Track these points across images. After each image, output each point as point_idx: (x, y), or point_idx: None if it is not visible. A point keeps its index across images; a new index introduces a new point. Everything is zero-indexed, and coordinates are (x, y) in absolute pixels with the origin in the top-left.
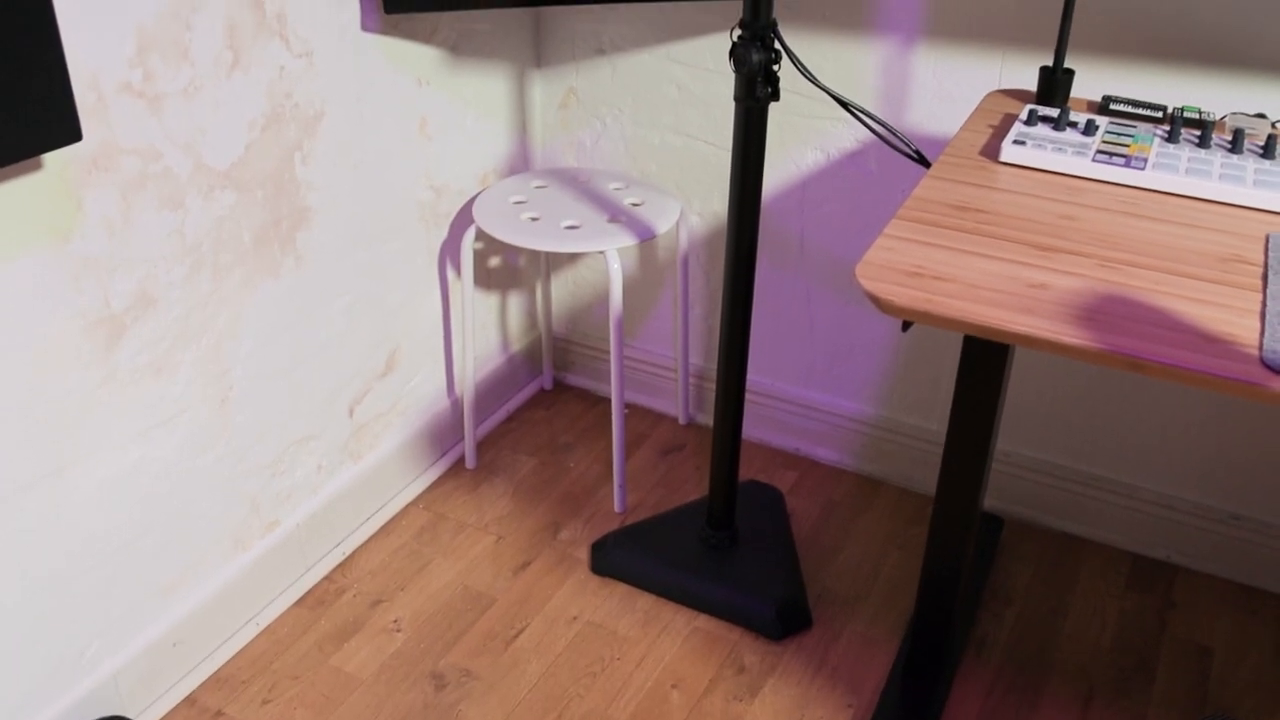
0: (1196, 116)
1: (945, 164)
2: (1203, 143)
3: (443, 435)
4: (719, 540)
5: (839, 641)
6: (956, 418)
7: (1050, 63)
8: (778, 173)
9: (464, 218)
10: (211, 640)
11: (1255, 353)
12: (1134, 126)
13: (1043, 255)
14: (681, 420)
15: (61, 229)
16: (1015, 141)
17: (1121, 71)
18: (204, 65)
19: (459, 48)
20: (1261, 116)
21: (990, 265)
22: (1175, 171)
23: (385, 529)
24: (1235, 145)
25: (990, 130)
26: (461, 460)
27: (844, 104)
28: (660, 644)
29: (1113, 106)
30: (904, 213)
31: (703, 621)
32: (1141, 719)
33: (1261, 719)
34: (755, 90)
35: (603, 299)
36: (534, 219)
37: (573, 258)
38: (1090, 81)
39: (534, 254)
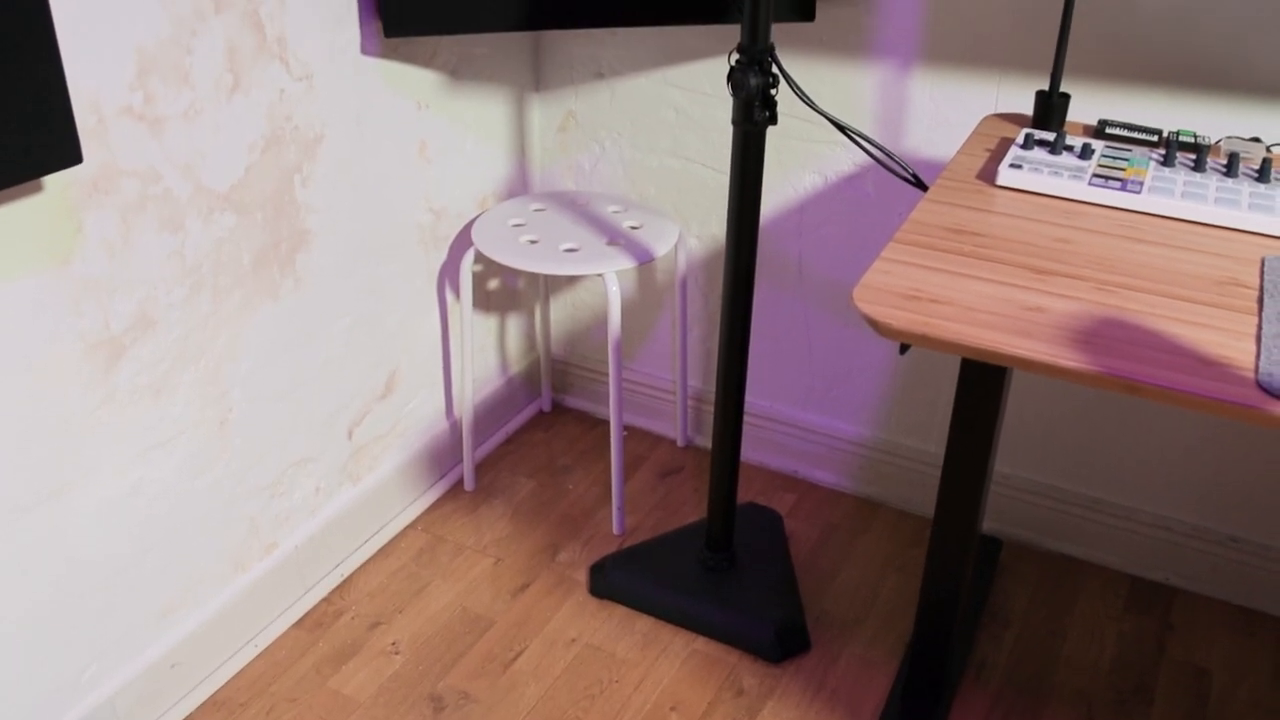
0: (1192, 140)
1: (942, 187)
2: (1198, 166)
3: (441, 457)
4: (718, 562)
5: (838, 664)
6: (954, 440)
7: (1046, 87)
8: (776, 196)
9: (463, 240)
10: (210, 662)
11: (1251, 376)
12: (1130, 150)
13: (1039, 278)
14: (680, 442)
15: (62, 251)
16: (1012, 165)
17: (1117, 95)
18: (204, 88)
19: (458, 71)
20: (1256, 140)
21: (987, 288)
22: (1171, 195)
23: (384, 551)
24: (1230, 169)
25: (987, 154)
26: (460, 482)
27: (841, 128)
28: (659, 666)
29: (1108, 130)
30: (901, 236)
31: (701, 644)
32: None
33: None
34: (753, 114)
35: (601, 321)
36: (533, 242)
37: (571, 280)
38: (1086, 105)
39: (533, 276)
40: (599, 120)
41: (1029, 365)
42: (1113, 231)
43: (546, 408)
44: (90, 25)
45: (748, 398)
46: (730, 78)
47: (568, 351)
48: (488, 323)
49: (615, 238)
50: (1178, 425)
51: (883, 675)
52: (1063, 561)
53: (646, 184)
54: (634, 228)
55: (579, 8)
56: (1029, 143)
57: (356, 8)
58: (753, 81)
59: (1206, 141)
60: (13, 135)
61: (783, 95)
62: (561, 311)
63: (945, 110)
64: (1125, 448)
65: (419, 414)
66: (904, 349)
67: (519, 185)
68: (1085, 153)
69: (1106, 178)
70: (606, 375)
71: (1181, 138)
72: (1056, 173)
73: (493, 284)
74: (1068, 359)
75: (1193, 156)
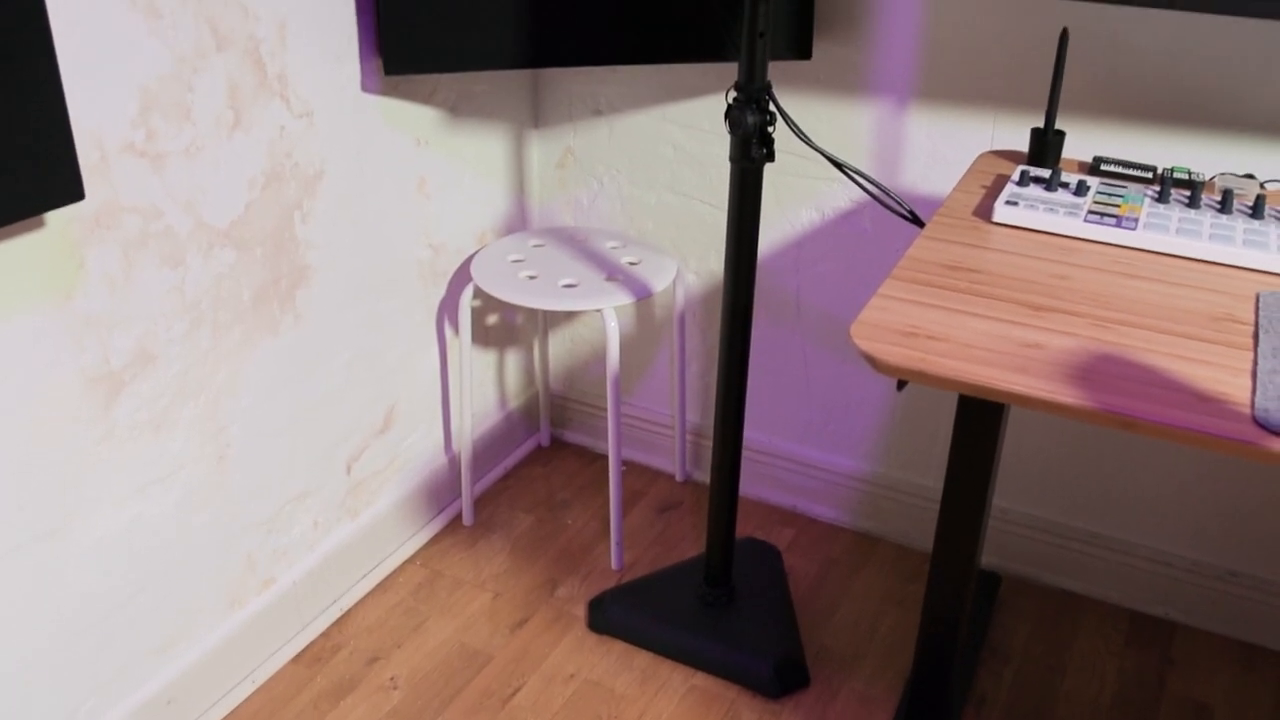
0: (1186, 177)
1: (939, 224)
2: (1192, 203)
3: (440, 492)
4: (716, 598)
5: (837, 700)
6: (953, 475)
7: (1041, 124)
8: (773, 231)
9: (462, 276)
10: (207, 698)
11: (1247, 411)
12: (1125, 187)
13: (1036, 315)
14: (679, 477)
15: (63, 286)
16: (1008, 202)
17: (1112, 133)
18: (205, 125)
19: (458, 108)
20: (1250, 177)
21: (984, 325)
22: (1166, 231)
23: (382, 586)
24: (1224, 205)
25: (983, 191)
26: (459, 517)
27: (838, 165)
28: (658, 702)
29: (1103, 167)
30: (898, 272)
31: (700, 679)
32: None
33: None
34: (750, 151)
35: (600, 357)
36: (532, 277)
37: (570, 316)
38: (1081, 143)
39: (531, 312)
40: (597, 156)
41: (1026, 402)
42: (1108, 268)
43: (545, 443)
44: (94, 64)
45: (746, 432)
46: (728, 115)
47: (566, 386)
48: (486, 358)
49: (614, 273)
50: (1175, 460)
51: (882, 711)
52: (1062, 596)
53: (645, 220)
54: (632, 263)
55: (577, 46)
56: (1025, 179)
57: (357, 45)
58: (750, 119)
59: (1200, 178)
60: (16, 172)
61: (780, 132)
62: (560, 346)
63: (941, 147)
64: (1123, 482)
65: (418, 449)
66: (901, 385)
67: (518, 221)
68: (1080, 189)
69: (1102, 214)
70: (605, 410)
71: (1176, 174)
72: (1052, 209)
73: (492, 319)
74: (1064, 395)
75: (1187, 193)
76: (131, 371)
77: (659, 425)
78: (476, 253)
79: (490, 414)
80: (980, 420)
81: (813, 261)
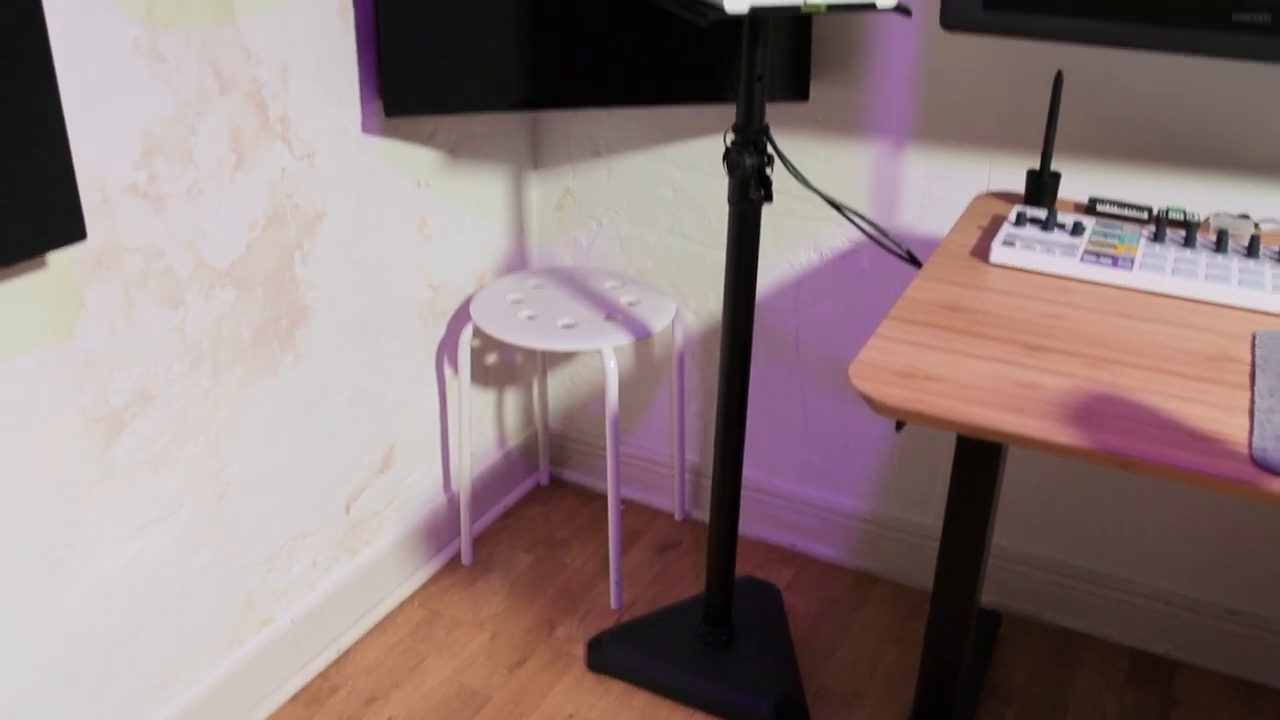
0: (1181, 217)
1: (936, 264)
2: (1188, 243)
3: (439, 531)
4: (716, 637)
5: None
6: (952, 514)
7: (1037, 166)
8: (772, 272)
9: (462, 316)
10: None
11: (1245, 451)
12: (1120, 227)
13: (1033, 355)
14: (678, 516)
15: (64, 326)
16: (1004, 243)
17: (1107, 173)
18: (207, 167)
19: (458, 149)
20: (1245, 217)
21: (981, 365)
22: (1161, 271)
23: (380, 626)
24: (1220, 245)
25: (980, 231)
26: (457, 556)
27: (836, 206)
28: None
29: (1099, 208)
30: (896, 313)
31: (700, 719)
32: None
33: None
34: (749, 193)
35: (599, 396)
36: (531, 317)
37: (569, 355)
38: (1077, 183)
39: (531, 351)
40: (596, 197)
41: (1024, 442)
42: (1105, 308)
43: (544, 481)
44: (98, 106)
45: (745, 471)
46: (726, 157)
47: (565, 425)
48: (486, 397)
49: (613, 313)
50: (1174, 498)
51: None
52: (1063, 634)
53: (644, 260)
54: (631, 304)
55: (577, 88)
56: (1021, 220)
57: (358, 87)
58: (748, 161)
59: (1196, 218)
60: (19, 213)
61: (778, 173)
62: (559, 386)
63: (938, 188)
64: (1122, 520)
65: (417, 488)
66: (900, 426)
67: (517, 261)
68: (1077, 230)
69: (1098, 254)
70: (604, 449)
71: (1171, 214)
72: (1049, 250)
73: (491, 359)
74: (1062, 435)
75: (1182, 233)
76: (131, 411)
77: (658, 464)
78: (476, 293)
79: (489, 453)
80: (979, 460)
81: (811, 301)
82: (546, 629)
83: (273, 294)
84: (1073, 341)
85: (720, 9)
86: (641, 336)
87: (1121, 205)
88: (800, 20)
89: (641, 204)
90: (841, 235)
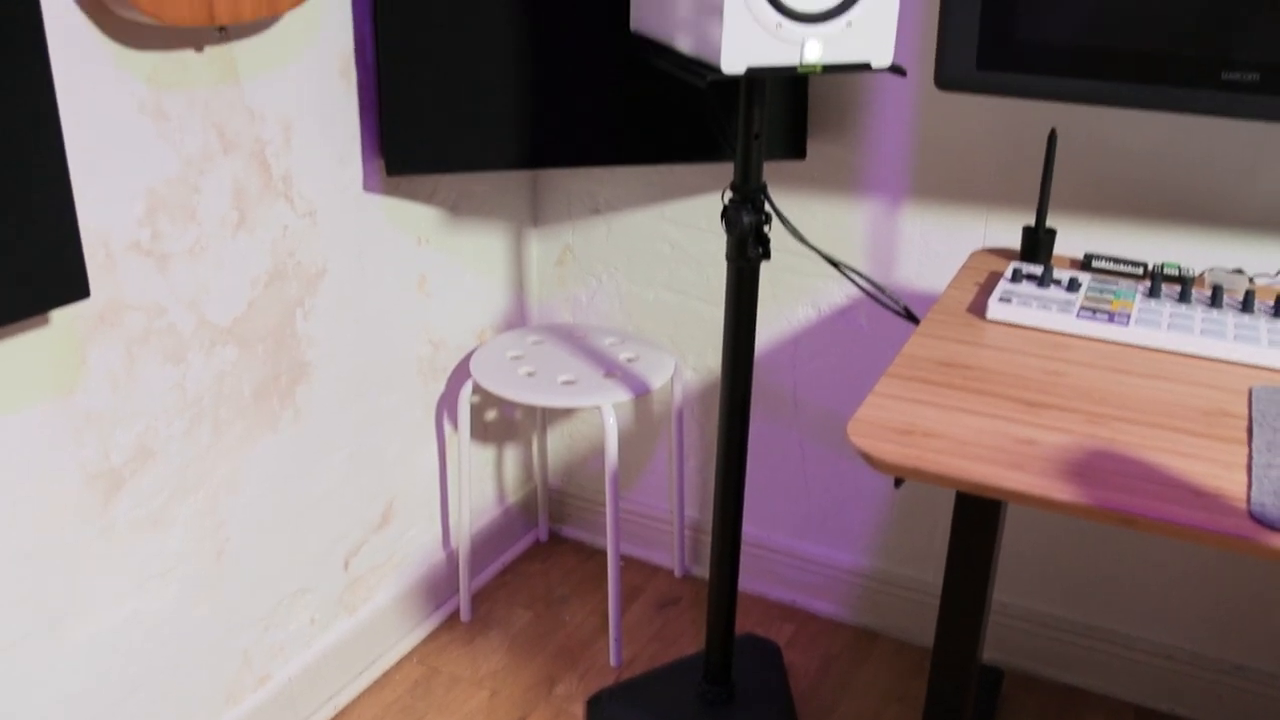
0: (1176, 273)
1: (933, 321)
2: (1183, 298)
3: (438, 588)
4: (717, 695)
5: None
6: (952, 571)
7: (1033, 222)
8: (770, 328)
9: (461, 372)
10: None
11: (1244, 506)
12: (1116, 283)
13: (1031, 411)
14: (678, 573)
15: (65, 383)
16: (1001, 299)
17: (1102, 229)
18: (210, 225)
19: (458, 207)
20: (1239, 272)
21: (979, 422)
22: (1157, 327)
23: (378, 683)
24: (1215, 300)
25: (976, 288)
26: (456, 613)
27: (833, 263)
28: None
29: (1095, 264)
30: (894, 370)
31: None
32: None
33: None
34: (747, 250)
35: (598, 452)
36: (530, 374)
37: (569, 411)
38: (1072, 239)
39: (530, 408)
40: (596, 254)
41: (1023, 499)
42: (1102, 364)
43: (544, 538)
44: (103, 165)
45: (744, 527)
46: (724, 215)
47: (565, 481)
48: (485, 453)
49: (612, 370)
50: (1175, 552)
51: None
52: (1066, 691)
53: (643, 317)
54: (630, 360)
55: (576, 147)
56: (1017, 277)
57: (360, 146)
58: (746, 219)
59: (1191, 274)
60: (24, 271)
61: (776, 230)
62: (559, 442)
63: (934, 245)
64: (1124, 575)
65: (416, 544)
66: (899, 483)
67: (517, 318)
68: (1072, 286)
69: (1094, 310)
70: (604, 505)
71: (1166, 270)
72: (1045, 306)
73: (490, 415)
74: (1061, 492)
75: (1178, 288)
76: (131, 467)
77: (657, 520)
78: (476, 349)
79: (489, 509)
80: (978, 516)
81: (809, 357)
82: (546, 687)
83: (274, 351)
84: (1070, 397)
85: (718, 70)
86: (640, 393)
87: (1117, 261)
88: (797, 80)
89: (641, 261)
90: (839, 291)
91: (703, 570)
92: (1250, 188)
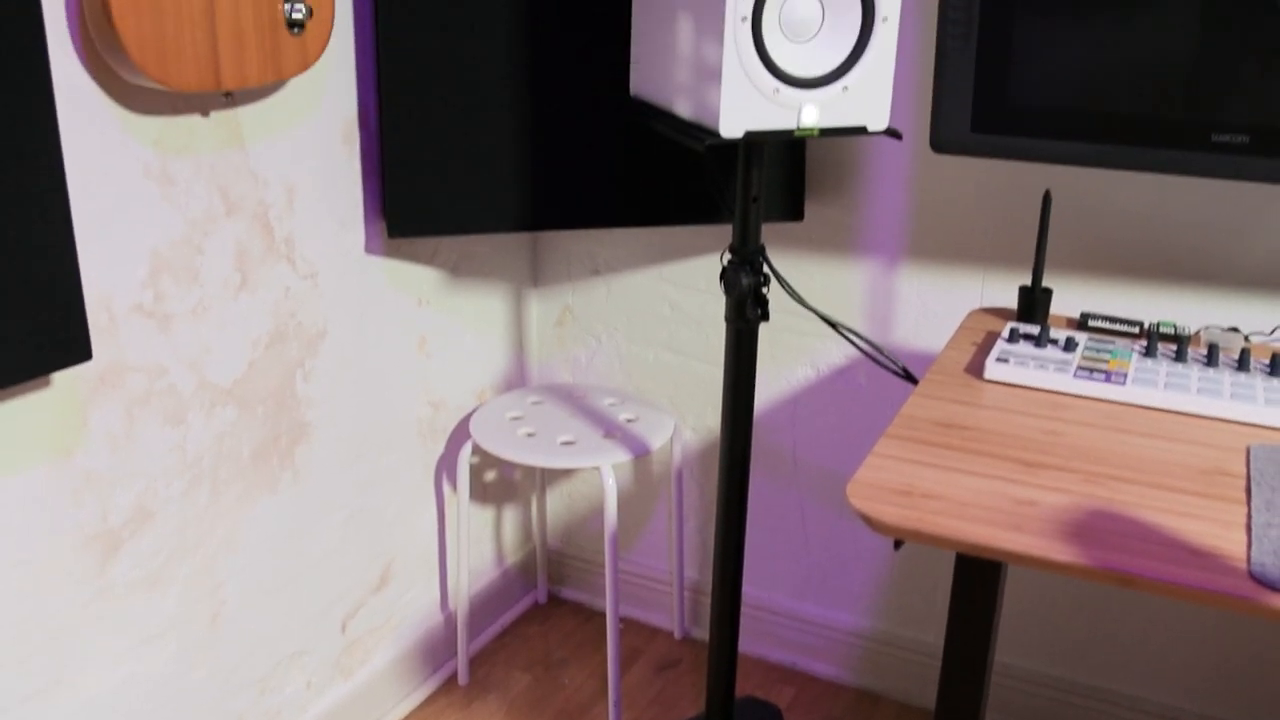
0: (1172, 332)
1: (932, 381)
2: (1179, 357)
3: (436, 650)
4: None
5: None
6: (953, 633)
7: (1029, 282)
8: (769, 388)
9: (461, 433)
10: None
11: (1243, 566)
12: (1112, 342)
13: (1029, 471)
14: (677, 635)
15: (65, 444)
16: (999, 359)
17: (1098, 289)
18: (213, 286)
19: (459, 268)
20: (1234, 330)
21: (978, 483)
22: (1154, 386)
23: None
24: (1211, 359)
25: (974, 348)
26: (454, 676)
27: (832, 324)
28: None
29: (1091, 323)
30: (893, 431)
31: None
32: None
33: None
34: (745, 312)
35: (598, 513)
36: (530, 435)
37: (568, 472)
38: (1068, 298)
39: (530, 468)
40: (595, 315)
41: (1023, 560)
42: (1099, 423)
43: (543, 599)
44: (108, 228)
45: (745, 588)
46: (723, 277)
47: (564, 543)
48: (484, 514)
49: (611, 430)
50: (1177, 612)
51: None
52: None
53: (642, 377)
54: (630, 420)
55: (576, 209)
56: (1014, 336)
57: (362, 209)
58: (744, 281)
59: (1186, 332)
60: (26, 333)
61: (774, 291)
62: (558, 503)
63: (932, 305)
64: (1126, 635)
65: (414, 606)
66: (898, 545)
67: (517, 378)
68: (1069, 346)
69: (1091, 370)
70: (603, 566)
71: (1162, 329)
72: (1042, 366)
73: (490, 475)
74: (1061, 553)
75: (1174, 347)
76: (130, 529)
77: (657, 581)
78: (475, 410)
79: (487, 570)
80: (978, 578)
81: (809, 417)
82: None
83: (274, 412)
84: (1069, 457)
85: (716, 134)
86: (640, 454)
87: (1113, 320)
88: (794, 143)
89: (640, 321)
90: (838, 352)
91: (702, 632)
92: (1243, 247)
